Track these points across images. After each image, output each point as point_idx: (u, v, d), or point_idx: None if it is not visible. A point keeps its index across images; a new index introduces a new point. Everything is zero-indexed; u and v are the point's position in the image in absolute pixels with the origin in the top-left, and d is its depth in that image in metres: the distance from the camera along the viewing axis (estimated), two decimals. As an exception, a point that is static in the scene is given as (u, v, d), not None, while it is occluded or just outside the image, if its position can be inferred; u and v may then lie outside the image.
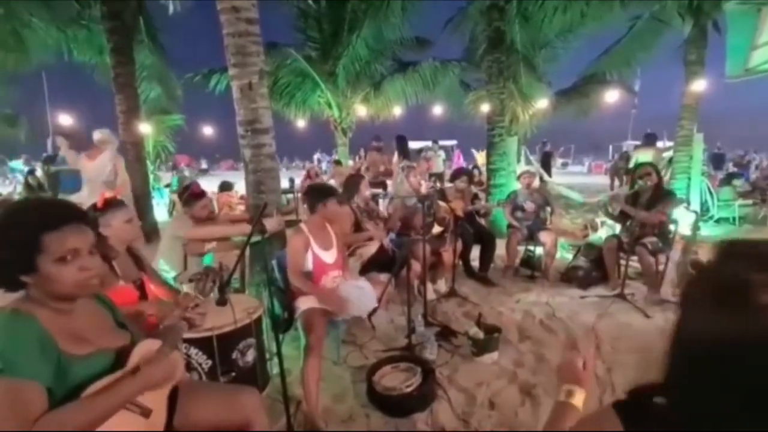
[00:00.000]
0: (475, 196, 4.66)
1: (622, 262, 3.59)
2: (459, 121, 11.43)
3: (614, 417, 0.64)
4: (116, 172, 4.37)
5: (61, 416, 0.92)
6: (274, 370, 2.12)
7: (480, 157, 14.43)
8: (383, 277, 2.85)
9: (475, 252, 4.30)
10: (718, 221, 6.73)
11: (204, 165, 28.67)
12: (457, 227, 3.88)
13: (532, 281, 4.14)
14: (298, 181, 9.50)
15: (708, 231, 6.03)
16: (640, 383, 0.67)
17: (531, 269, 4.27)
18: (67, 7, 6.71)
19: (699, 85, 6.48)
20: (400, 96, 9.64)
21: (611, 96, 9.23)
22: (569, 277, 4.05)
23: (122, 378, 1.03)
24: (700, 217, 6.09)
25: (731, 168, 13.34)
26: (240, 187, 6.69)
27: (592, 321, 3.16)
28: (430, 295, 3.49)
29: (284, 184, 9.20)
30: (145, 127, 7.30)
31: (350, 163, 9.50)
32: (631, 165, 4.37)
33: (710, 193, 6.88)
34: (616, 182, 12.43)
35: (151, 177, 8.79)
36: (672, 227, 3.61)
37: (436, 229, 4.01)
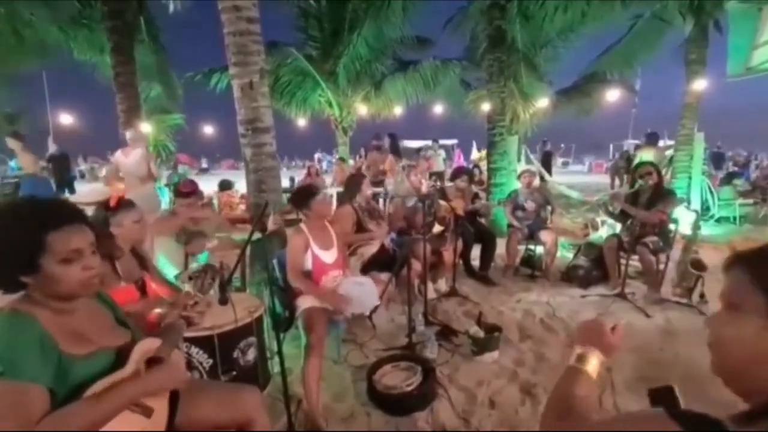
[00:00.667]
0: (476, 196, 4.66)
1: (623, 261, 3.59)
2: (460, 120, 11.43)
3: (673, 425, 0.56)
4: (149, 167, 4.67)
5: (64, 418, 0.92)
6: (275, 368, 2.13)
7: (477, 155, 14.46)
8: (384, 276, 2.85)
9: (476, 251, 4.30)
10: (718, 220, 6.73)
11: (204, 164, 28.67)
12: (457, 226, 3.88)
13: (533, 280, 4.14)
14: (298, 180, 9.51)
15: (708, 230, 6.02)
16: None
17: (531, 268, 4.27)
18: (68, 6, 6.71)
19: (700, 85, 6.48)
20: (400, 95, 9.64)
21: (612, 95, 9.22)
22: (570, 276, 4.05)
23: (126, 380, 1.04)
24: (701, 216, 6.08)
25: (731, 167, 13.33)
26: (241, 186, 6.70)
27: (592, 320, 3.15)
28: (431, 294, 3.50)
29: (285, 183, 9.21)
30: (146, 127, 7.29)
31: (350, 162, 9.51)
32: (635, 164, 4.36)
33: (711, 192, 6.88)
34: (617, 181, 12.43)
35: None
36: (672, 226, 3.60)
37: (437, 228, 4.01)
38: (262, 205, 2.03)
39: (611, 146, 25.44)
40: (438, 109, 11.66)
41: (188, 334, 1.73)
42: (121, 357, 1.09)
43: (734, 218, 6.74)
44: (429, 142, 12.77)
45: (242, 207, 7.23)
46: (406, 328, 2.73)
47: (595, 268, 3.96)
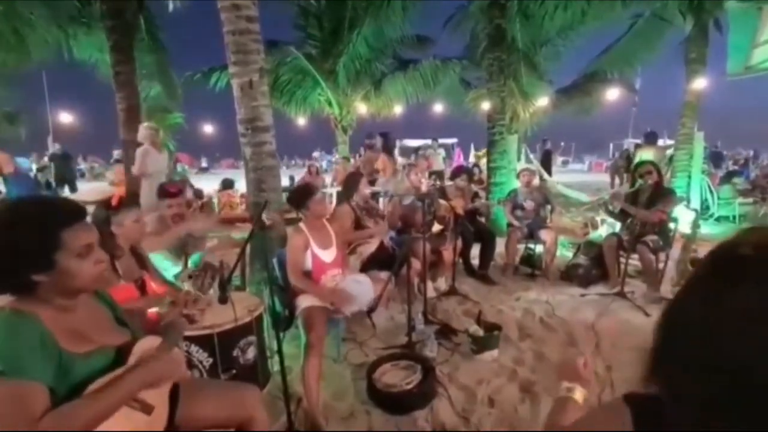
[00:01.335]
0: (476, 195, 4.67)
1: (622, 260, 3.60)
2: (459, 119, 11.44)
3: (625, 410, 0.64)
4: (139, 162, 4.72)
5: (64, 414, 0.92)
6: (275, 367, 2.13)
7: (474, 155, 14.50)
8: (383, 275, 2.85)
9: (475, 250, 4.31)
10: (718, 219, 6.73)
11: (204, 163, 28.66)
12: (457, 225, 3.88)
13: (532, 279, 4.15)
14: (298, 179, 9.50)
15: (708, 229, 6.03)
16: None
17: (531, 267, 4.27)
18: (68, 5, 6.69)
19: (700, 83, 6.48)
20: (400, 94, 9.64)
21: (612, 94, 9.22)
22: (569, 275, 4.05)
23: (124, 374, 1.04)
24: (701, 215, 6.09)
25: (731, 166, 13.33)
26: (241, 185, 6.70)
27: (591, 319, 3.16)
28: (431, 293, 3.50)
29: (284, 182, 9.21)
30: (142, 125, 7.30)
31: (351, 161, 9.50)
32: (635, 163, 4.37)
33: (710, 191, 6.88)
34: (617, 180, 12.42)
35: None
36: (672, 225, 3.61)
37: (437, 227, 4.01)
38: (261, 204, 2.03)
39: (611, 145, 25.42)
40: (438, 108, 11.67)
41: (188, 332, 1.74)
42: (121, 356, 1.09)
43: (734, 217, 6.74)
44: (429, 141, 12.78)
45: (242, 206, 7.24)
46: (405, 327, 2.73)
47: (595, 267, 3.96)
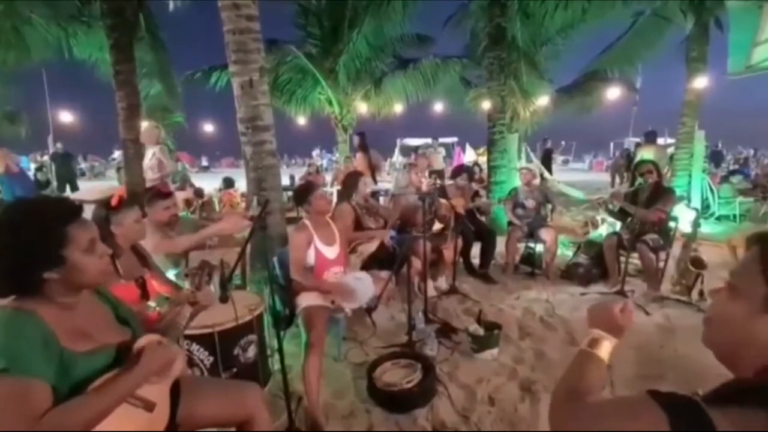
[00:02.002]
0: (476, 194, 4.67)
1: (623, 259, 3.60)
2: (460, 119, 11.43)
3: (658, 411, 0.59)
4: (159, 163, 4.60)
5: (66, 411, 0.93)
6: (276, 366, 2.14)
7: (471, 154, 14.49)
8: (384, 274, 2.85)
9: (476, 249, 4.31)
10: (718, 218, 6.73)
11: (205, 162, 28.67)
12: (457, 224, 3.88)
13: (533, 278, 4.15)
14: (299, 178, 9.50)
15: (708, 228, 6.03)
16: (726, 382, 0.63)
17: (531, 266, 4.27)
18: (68, 4, 6.69)
19: (700, 82, 6.47)
20: (400, 93, 9.63)
21: (612, 93, 9.20)
22: (569, 274, 4.05)
23: (124, 370, 1.05)
24: (701, 214, 6.09)
25: (731, 165, 13.32)
26: (241, 184, 6.70)
27: (592, 318, 3.16)
28: (431, 292, 3.50)
29: (285, 181, 9.20)
30: (146, 125, 7.30)
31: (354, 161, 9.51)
32: (636, 162, 4.37)
33: (711, 190, 6.88)
34: (617, 179, 12.42)
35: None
36: (672, 224, 3.61)
37: (437, 226, 4.02)
38: (262, 203, 2.03)
39: (612, 144, 25.41)
40: (438, 107, 11.66)
41: (189, 331, 1.74)
42: (122, 354, 1.10)
43: (734, 216, 6.74)
44: (429, 140, 12.77)
45: (243, 205, 7.23)
46: (406, 326, 2.73)
47: (595, 265, 3.96)
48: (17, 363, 0.90)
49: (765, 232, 0.69)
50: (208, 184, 9.93)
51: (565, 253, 4.69)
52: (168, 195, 2.57)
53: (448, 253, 3.81)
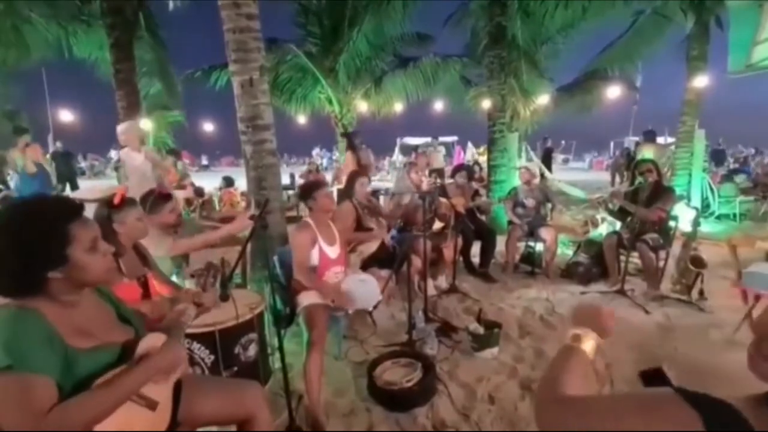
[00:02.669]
0: (476, 193, 4.67)
1: (622, 258, 3.60)
2: (460, 117, 11.43)
3: (690, 410, 0.55)
4: (153, 163, 4.19)
5: (71, 408, 0.94)
6: (276, 364, 2.14)
7: (471, 152, 14.50)
8: (384, 273, 2.86)
9: (476, 248, 4.31)
10: (718, 218, 6.73)
11: (205, 161, 28.67)
12: (457, 223, 3.89)
13: (533, 277, 4.15)
14: (299, 176, 9.50)
15: (708, 227, 6.03)
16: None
17: (531, 265, 4.28)
18: (68, 3, 6.69)
19: (701, 81, 6.47)
20: (400, 92, 9.63)
21: (613, 92, 9.20)
22: (569, 273, 4.06)
23: (128, 369, 1.05)
24: (701, 213, 6.09)
25: (732, 164, 13.31)
26: (241, 183, 6.70)
27: (591, 317, 3.16)
28: (431, 291, 3.51)
29: (285, 180, 9.20)
30: (146, 124, 7.29)
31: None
32: (636, 161, 4.37)
33: (711, 189, 6.88)
34: (617, 178, 12.41)
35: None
36: (672, 224, 3.61)
37: (437, 225, 4.02)
38: (262, 202, 2.03)
39: (612, 143, 25.39)
40: (438, 106, 11.65)
41: (190, 330, 1.74)
42: (125, 353, 1.10)
43: (734, 215, 6.74)
44: (429, 139, 12.77)
45: (243, 204, 7.23)
46: (406, 325, 2.74)
47: (595, 264, 3.97)
48: (21, 360, 0.91)
49: None
50: (208, 183, 9.92)
51: (565, 252, 4.70)
52: (169, 197, 2.57)
53: (448, 252, 3.81)
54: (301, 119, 10.36)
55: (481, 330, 2.64)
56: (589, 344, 0.81)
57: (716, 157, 14.17)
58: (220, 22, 3.36)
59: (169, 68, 8.70)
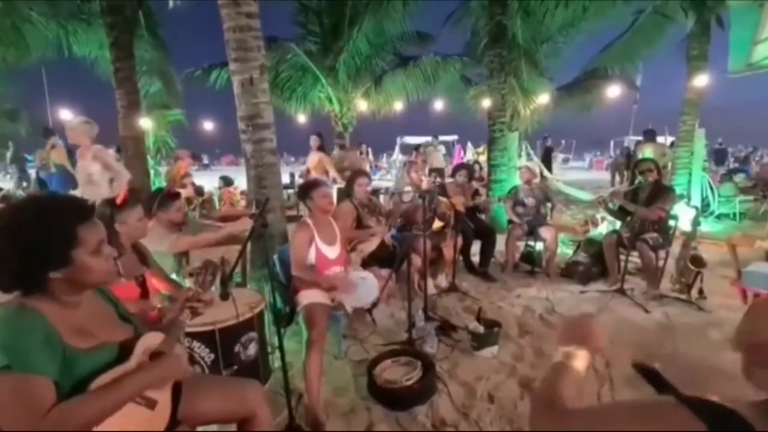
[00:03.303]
0: (476, 192, 4.67)
1: (622, 257, 3.61)
2: (460, 117, 11.41)
3: (693, 418, 0.54)
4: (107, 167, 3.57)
5: (71, 409, 0.94)
6: (276, 363, 2.15)
7: (474, 152, 14.50)
8: (384, 272, 2.86)
9: (476, 247, 4.31)
10: (718, 217, 6.73)
11: (205, 160, 28.63)
12: (457, 222, 3.89)
13: (532, 276, 4.15)
14: (299, 175, 9.49)
15: (708, 227, 6.03)
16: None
17: (531, 264, 4.28)
18: (67, 1, 6.69)
19: (701, 80, 6.46)
20: (401, 91, 9.61)
21: (613, 91, 9.19)
22: (569, 272, 4.06)
23: (131, 372, 1.06)
24: (701, 212, 6.09)
25: (731, 164, 13.31)
26: (241, 182, 6.69)
27: (591, 316, 3.17)
28: (431, 290, 3.51)
29: (285, 179, 9.20)
30: (146, 122, 7.29)
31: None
32: (636, 160, 4.37)
33: (711, 188, 6.88)
34: (617, 178, 12.41)
35: (152, 172, 8.79)
36: (672, 223, 3.61)
37: (437, 224, 4.02)
38: (262, 201, 2.03)
39: (612, 142, 25.36)
40: (438, 105, 11.63)
41: (190, 329, 1.75)
42: (124, 351, 1.10)
43: (734, 215, 6.74)
44: (429, 139, 12.77)
45: (243, 203, 7.23)
46: (406, 324, 2.74)
47: (595, 264, 3.97)
48: (21, 360, 0.91)
49: None
50: (208, 182, 9.91)
51: (565, 251, 4.70)
52: (178, 195, 2.66)
53: (448, 251, 3.81)
54: (301, 118, 10.35)
55: (480, 329, 2.64)
56: (580, 362, 0.79)
57: (718, 156, 14.17)
58: (220, 20, 3.36)
59: (168, 67, 8.70)
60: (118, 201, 1.83)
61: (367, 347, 2.75)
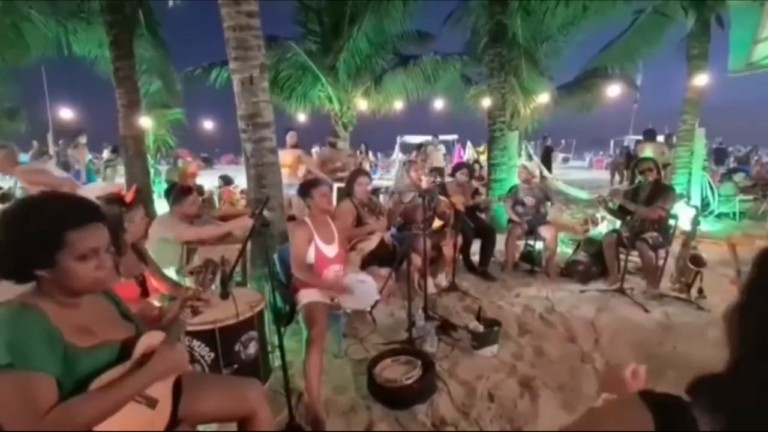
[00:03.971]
0: (476, 191, 4.67)
1: (622, 257, 3.61)
2: (460, 116, 11.40)
3: (644, 411, 0.60)
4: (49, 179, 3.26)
5: (72, 408, 0.94)
6: (276, 362, 2.15)
7: (475, 151, 14.50)
8: (384, 271, 2.86)
9: (476, 247, 4.32)
10: (718, 216, 6.73)
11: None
12: (457, 222, 3.89)
13: (532, 276, 4.16)
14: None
15: (708, 226, 6.04)
16: (700, 375, 0.63)
17: (531, 264, 4.28)
18: (67, 0, 6.67)
19: (701, 80, 6.46)
20: (401, 90, 9.61)
21: (613, 90, 9.18)
22: (569, 271, 4.06)
23: (130, 371, 1.06)
24: (701, 212, 6.09)
25: (731, 163, 13.30)
26: (240, 181, 6.68)
27: (591, 315, 3.18)
28: (431, 289, 3.51)
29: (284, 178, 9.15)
30: (146, 121, 7.28)
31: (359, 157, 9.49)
32: (637, 160, 4.37)
33: (711, 188, 6.88)
34: (617, 177, 12.41)
35: (152, 171, 8.79)
36: (672, 222, 3.61)
37: (437, 223, 4.02)
38: (262, 200, 2.03)
39: (612, 142, 25.36)
40: (438, 104, 11.62)
41: (190, 327, 1.75)
42: (125, 350, 1.11)
43: (734, 214, 6.75)
44: (429, 138, 12.76)
45: (243, 202, 7.23)
46: (406, 323, 2.75)
47: (595, 263, 3.97)
48: (23, 358, 0.91)
49: None
50: (208, 181, 9.91)
51: (565, 250, 4.70)
52: (191, 191, 2.83)
53: (448, 250, 3.81)
54: (301, 117, 10.34)
55: (480, 328, 2.65)
56: None
57: (718, 155, 14.16)
58: (220, 19, 3.35)
59: (168, 66, 8.68)
60: (127, 200, 1.84)
61: (367, 346, 2.76)
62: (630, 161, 8.91)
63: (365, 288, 2.41)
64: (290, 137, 6.13)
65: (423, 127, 16.95)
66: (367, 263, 3.10)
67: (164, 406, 1.15)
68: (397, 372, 2.23)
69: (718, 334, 2.78)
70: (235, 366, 1.96)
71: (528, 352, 2.68)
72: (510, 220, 4.37)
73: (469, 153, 15.14)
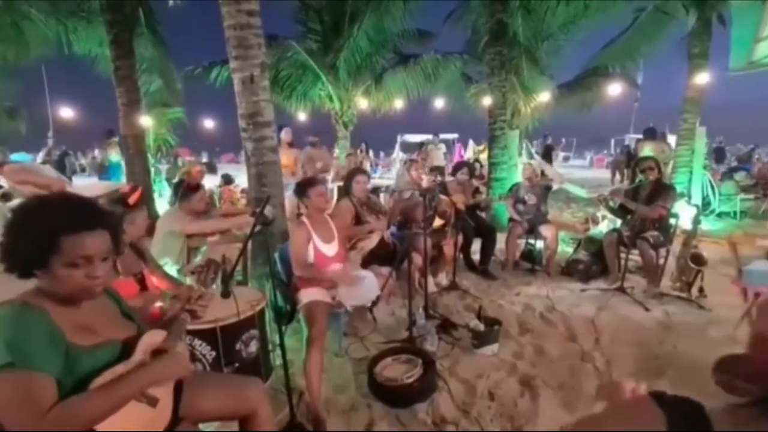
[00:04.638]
0: (477, 190, 4.67)
1: (623, 255, 3.61)
2: (460, 115, 11.40)
3: (656, 409, 0.60)
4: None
5: (73, 407, 0.94)
6: (277, 361, 2.15)
7: (475, 150, 14.50)
8: (384, 270, 2.86)
9: (476, 246, 4.31)
10: (719, 215, 6.73)
11: (205, 158, 28.54)
12: (458, 221, 3.88)
13: (533, 275, 4.16)
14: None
15: (709, 225, 6.03)
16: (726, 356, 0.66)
17: (531, 263, 4.28)
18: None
19: (702, 78, 6.45)
20: (401, 89, 9.61)
21: (614, 89, 9.17)
22: (570, 270, 4.06)
23: (133, 371, 1.06)
24: (702, 211, 6.09)
25: (733, 162, 13.27)
26: (242, 180, 6.68)
27: (591, 314, 3.18)
28: (431, 288, 3.52)
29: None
30: (146, 120, 7.28)
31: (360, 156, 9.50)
32: (638, 158, 4.37)
33: (712, 187, 6.87)
34: (617, 176, 12.40)
35: (152, 170, 8.79)
36: (673, 221, 3.61)
37: (438, 222, 4.02)
38: (263, 200, 2.03)
39: (612, 141, 25.32)
40: (439, 103, 11.62)
41: (191, 326, 1.75)
42: (127, 349, 1.11)
43: (735, 213, 6.74)
44: (430, 137, 12.76)
45: (243, 201, 7.23)
46: (406, 322, 2.75)
47: (595, 262, 3.97)
48: (24, 357, 0.91)
49: None
50: (209, 180, 9.91)
51: (566, 249, 4.70)
52: (198, 188, 2.90)
53: (449, 249, 3.81)
54: (302, 116, 10.34)
55: (481, 327, 2.65)
56: None
57: (717, 154, 14.13)
58: (221, 18, 3.35)
59: (169, 65, 8.68)
60: (132, 201, 1.85)
61: (368, 345, 2.76)
62: (631, 160, 8.90)
63: (365, 283, 2.43)
64: (285, 134, 5.78)
65: (423, 126, 16.94)
66: (367, 262, 3.10)
67: (165, 404, 1.16)
68: (397, 371, 2.23)
69: (718, 333, 2.79)
70: (236, 364, 1.96)
71: (528, 350, 2.68)
72: (510, 219, 4.37)
73: (470, 152, 15.14)
